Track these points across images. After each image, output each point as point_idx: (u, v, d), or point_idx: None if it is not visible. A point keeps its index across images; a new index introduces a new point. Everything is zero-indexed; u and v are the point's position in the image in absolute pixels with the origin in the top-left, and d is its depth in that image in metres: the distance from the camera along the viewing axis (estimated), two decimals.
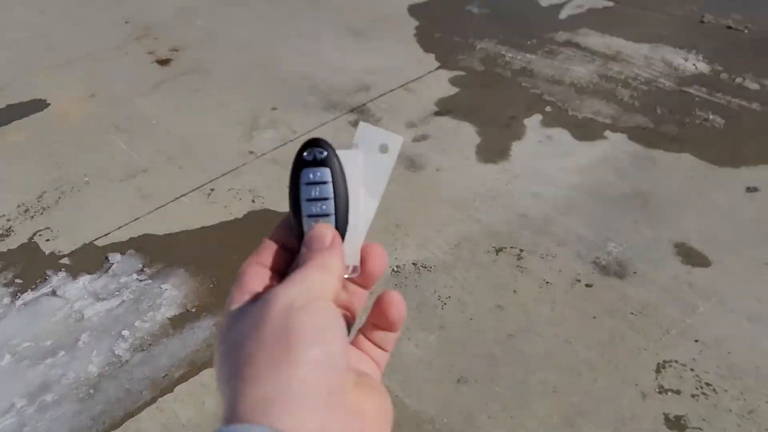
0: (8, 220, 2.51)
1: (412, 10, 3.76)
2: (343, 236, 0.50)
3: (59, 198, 2.60)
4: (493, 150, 2.61)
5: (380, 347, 0.52)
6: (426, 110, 2.87)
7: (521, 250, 2.15)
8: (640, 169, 2.44)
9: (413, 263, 2.14)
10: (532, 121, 2.74)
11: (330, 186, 0.49)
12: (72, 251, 2.35)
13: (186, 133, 2.89)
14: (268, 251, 0.49)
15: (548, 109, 2.80)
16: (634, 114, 2.71)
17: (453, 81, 3.05)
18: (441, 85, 3.04)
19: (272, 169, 2.62)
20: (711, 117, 2.65)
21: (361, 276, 0.51)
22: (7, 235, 2.44)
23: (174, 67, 3.43)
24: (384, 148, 0.52)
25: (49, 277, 2.25)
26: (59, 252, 2.35)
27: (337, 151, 0.50)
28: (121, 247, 2.34)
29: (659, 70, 2.96)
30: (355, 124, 2.81)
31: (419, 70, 3.16)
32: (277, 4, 4.00)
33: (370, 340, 0.52)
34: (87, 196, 2.60)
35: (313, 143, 0.50)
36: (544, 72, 3.04)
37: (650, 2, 3.54)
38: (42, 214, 2.54)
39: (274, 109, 2.99)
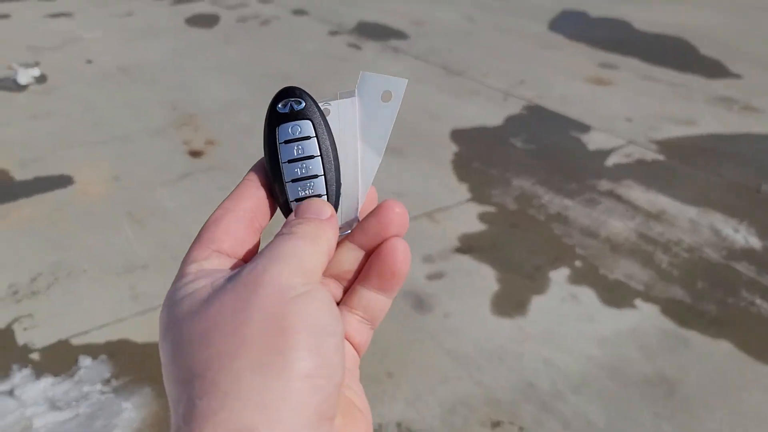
0: None
1: (455, 134, 3.67)
2: (336, 199, 0.45)
3: (52, 283, 2.50)
4: (511, 302, 2.40)
5: (364, 319, 0.45)
6: (447, 244, 2.70)
7: (521, 429, 1.90)
8: (669, 351, 2.18)
9: (397, 424, 1.91)
10: (559, 275, 2.53)
11: (314, 142, 0.43)
12: (44, 346, 2.20)
13: (196, 231, 2.78)
14: (254, 195, 0.43)
15: (578, 263, 2.59)
16: (672, 284, 2.48)
17: (482, 216, 2.89)
18: (468, 219, 2.88)
19: None
20: (758, 302, 2.40)
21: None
22: None
23: (204, 160, 3.39)
24: (387, 96, 0.46)
25: (13, 372, 2.10)
26: (32, 345, 2.21)
27: (333, 101, 0.45)
28: (94, 351, 2.19)
29: (705, 239, 2.74)
30: None
31: (448, 199, 3.02)
32: None
33: (352, 309, 0.45)
34: (80, 286, 2.49)
35: (288, 92, 0.44)
36: (579, 221, 2.86)
37: (704, 161, 3.35)
38: (30, 299, 2.43)
39: None
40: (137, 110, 3.99)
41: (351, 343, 0.45)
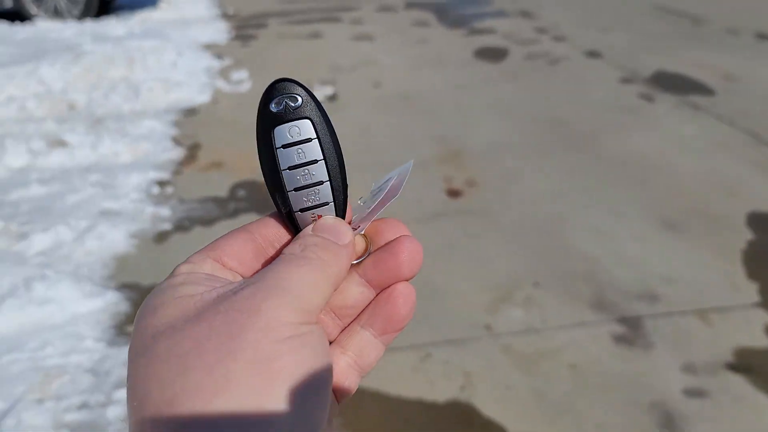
0: None
1: (754, 218, 3.09)
2: (344, 207, 0.42)
3: None
4: None
5: (356, 363, 0.42)
6: (717, 356, 2.23)
7: None
8: None
9: None
10: None
11: (316, 144, 0.40)
12: None
13: (434, 278, 2.68)
14: (276, 226, 0.42)
15: None
16: None
17: None
18: (752, 328, 2.36)
19: (501, 357, 2.25)
20: None
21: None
22: None
23: (461, 202, 3.29)
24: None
25: None
26: None
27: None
28: None
29: None
30: (619, 339, 2.31)
31: (729, 298, 2.52)
32: (590, 170, 3.65)
33: (345, 350, 0.42)
34: None
35: (280, 88, 0.40)
36: None
37: None
38: None
39: (536, 284, 2.63)
40: (407, 139, 4.05)
41: (335, 389, 0.41)
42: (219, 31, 6.62)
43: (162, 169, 3.65)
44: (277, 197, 0.41)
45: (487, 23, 7.04)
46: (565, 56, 5.60)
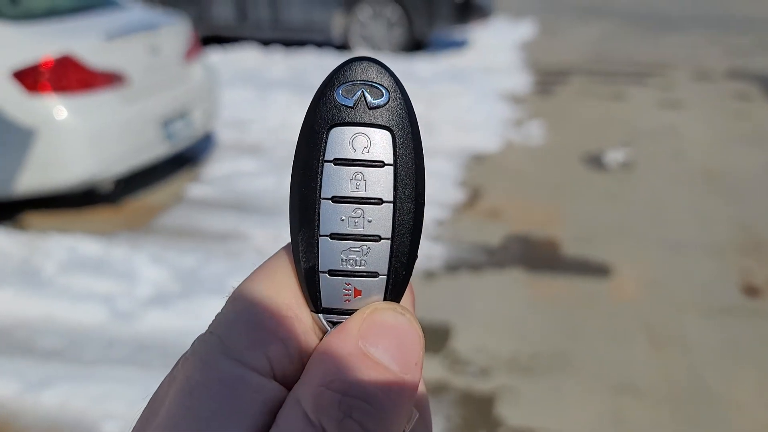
0: None
1: None
2: (402, 288, 0.28)
3: (546, 369, 2.46)
4: None
5: None
6: None
7: None
8: None
9: None
10: None
11: (389, 174, 0.26)
12: (514, 426, 2.17)
13: (709, 380, 2.35)
14: (281, 286, 0.28)
15: None
16: None
17: None
18: None
19: None
20: None
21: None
22: None
23: (759, 303, 2.86)
24: None
25: None
26: (503, 419, 2.20)
27: None
28: None
29: None
30: None
31: None
32: None
33: None
34: (567, 384, 2.37)
35: (359, 70, 0.26)
36: None
37: None
38: (521, 374, 2.43)
39: None
40: (702, 219, 3.66)
41: None
42: (520, 82, 6.73)
43: (442, 208, 3.78)
44: (300, 240, 0.28)
45: None
46: None
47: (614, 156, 4.59)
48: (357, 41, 7.73)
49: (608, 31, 9.63)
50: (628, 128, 5.28)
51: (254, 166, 4.43)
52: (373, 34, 7.66)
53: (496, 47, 8.49)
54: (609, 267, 3.16)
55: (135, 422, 0.28)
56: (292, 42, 8.00)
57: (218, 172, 4.33)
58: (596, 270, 3.15)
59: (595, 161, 4.58)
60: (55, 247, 3.17)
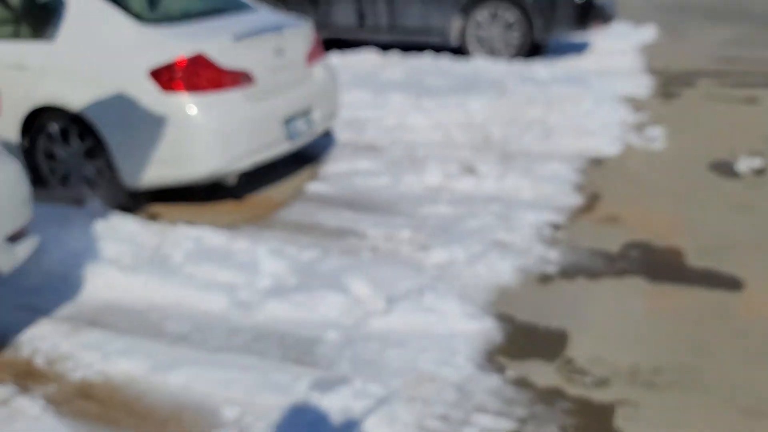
0: None
1: None
2: None
3: (670, 385, 2.33)
4: None
5: None
6: None
7: None
8: None
9: None
10: None
11: None
12: None
13: None
14: None
15: None
16: None
17: None
18: None
19: None
20: None
21: None
22: None
23: None
24: None
25: None
26: None
27: None
28: None
29: None
30: None
31: None
32: None
33: None
34: (691, 401, 2.24)
35: None
36: None
37: None
38: (643, 388, 2.32)
39: None
40: None
41: None
42: (641, 85, 6.43)
43: (558, 212, 3.68)
44: None
45: None
46: None
47: (748, 163, 4.29)
48: (474, 44, 7.67)
49: (740, 34, 9.03)
50: (763, 135, 4.93)
51: (370, 165, 4.49)
52: (490, 36, 7.58)
53: (616, 51, 8.16)
54: (741, 281, 2.96)
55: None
56: (408, 45, 8.05)
57: (336, 170, 4.42)
58: (726, 283, 2.95)
59: (726, 168, 4.30)
60: (182, 237, 3.36)
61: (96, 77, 3.60)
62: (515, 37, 7.44)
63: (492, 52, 7.58)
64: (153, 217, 3.78)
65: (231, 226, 3.63)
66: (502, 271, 3.04)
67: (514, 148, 4.74)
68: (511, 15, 7.39)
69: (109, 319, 2.80)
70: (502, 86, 5.89)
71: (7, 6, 3.99)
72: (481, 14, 7.51)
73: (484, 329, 2.60)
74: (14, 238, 2.45)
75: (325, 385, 2.29)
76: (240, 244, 3.34)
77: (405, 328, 2.63)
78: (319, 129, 4.31)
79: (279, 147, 3.93)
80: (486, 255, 3.15)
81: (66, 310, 2.87)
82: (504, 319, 2.70)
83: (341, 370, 2.41)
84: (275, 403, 2.25)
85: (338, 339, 2.59)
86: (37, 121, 3.79)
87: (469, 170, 4.30)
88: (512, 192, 3.97)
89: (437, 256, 3.20)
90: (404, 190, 4.10)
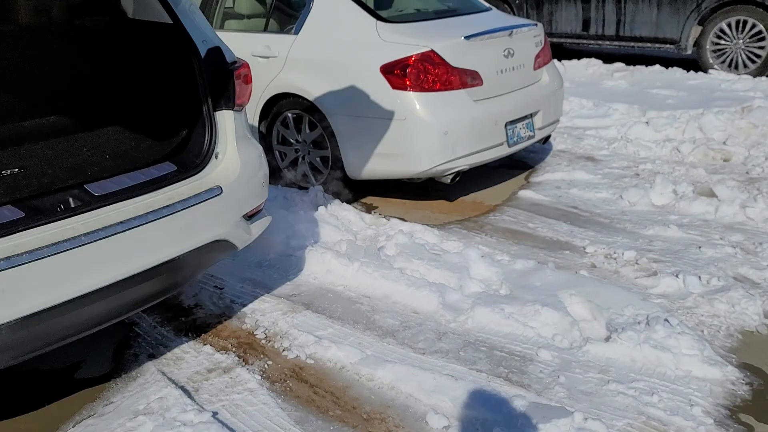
0: None
1: None
2: None
3: None
4: None
5: None
6: None
7: None
8: None
9: None
10: None
11: None
12: None
13: None
14: None
15: None
16: None
17: None
18: None
19: None
20: None
21: None
22: None
23: None
24: None
25: None
26: None
27: None
28: None
29: None
30: None
31: None
32: None
33: None
34: None
35: None
36: None
37: None
38: None
39: None
40: None
41: None
42: None
43: None
44: None
45: None
46: None
47: None
48: (712, 57, 6.97)
49: None
50: None
51: (588, 176, 4.22)
52: (733, 48, 6.84)
53: None
54: None
55: None
56: (633, 57, 7.54)
57: (550, 179, 4.21)
58: None
59: None
60: (396, 231, 3.36)
61: (332, 70, 3.73)
62: (765, 50, 6.65)
63: (732, 67, 6.85)
64: (368, 209, 3.84)
65: (442, 225, 3.58)
66: (747, 312, 2.65)
67: (759, 173, 4.19)
68: (761, 25, 6.62)
69: (323, 304, 2.86)
70: (746, 103, 5.27)
71: (261, 3, 4.30)
72: (726, 22, 6.80)
73: (726, 379, 2.27)
74: (251, 216, 2.57)
75: (542, 413, 2.12)
76: (451, 244, 3.27)
77: (629, 362, 2.38)
78: (538, 135, 4.12)
79: (498, 150, 3.81)
80: (727, 291, 2.77)
81: (285, 288, 2.99)
82: (750, 370, 2.34)
83: (555, 396, 2.23)
84: (485, 421, 2.13)
85: (552, 361, 2.41)
86: (275, 107, 4.03)
87: (706, 193, 3.87)
88: (758, 222, 3.49)
89: (667, 284, 2.88)
90: (627, 207, 3.78)
